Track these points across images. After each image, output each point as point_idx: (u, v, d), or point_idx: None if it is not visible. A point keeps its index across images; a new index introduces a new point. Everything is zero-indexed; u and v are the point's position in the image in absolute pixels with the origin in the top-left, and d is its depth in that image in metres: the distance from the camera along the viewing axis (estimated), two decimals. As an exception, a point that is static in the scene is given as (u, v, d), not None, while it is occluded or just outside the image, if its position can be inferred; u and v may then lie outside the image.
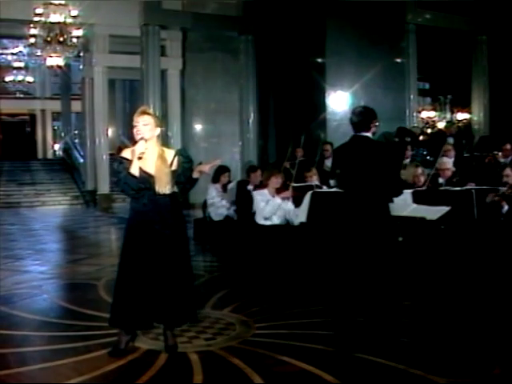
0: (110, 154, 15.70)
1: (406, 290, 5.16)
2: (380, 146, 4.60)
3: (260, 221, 6.66)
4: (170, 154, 3.99)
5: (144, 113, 3.96)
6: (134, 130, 3.92)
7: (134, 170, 3.86)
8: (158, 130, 3.98)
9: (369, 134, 4.50)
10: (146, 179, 3.88)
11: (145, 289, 3.88)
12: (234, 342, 4.16)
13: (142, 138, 3.85)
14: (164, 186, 3.90)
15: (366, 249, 4.22)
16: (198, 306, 4.35)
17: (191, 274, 4.10)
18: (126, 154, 3.97)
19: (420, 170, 6.97)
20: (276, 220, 6.60)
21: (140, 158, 3.85)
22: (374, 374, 3.57)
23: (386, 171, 4.35)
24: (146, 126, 3.90)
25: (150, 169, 3.89)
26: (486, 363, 3.68)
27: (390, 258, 4.25)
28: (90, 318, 4.72)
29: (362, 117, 4.42)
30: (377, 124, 4.55)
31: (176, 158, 3.98)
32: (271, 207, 6.56)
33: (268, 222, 6.64)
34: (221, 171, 8.01)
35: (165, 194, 3.92)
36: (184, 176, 3.99)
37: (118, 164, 3.96)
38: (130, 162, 3.90)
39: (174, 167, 3.96)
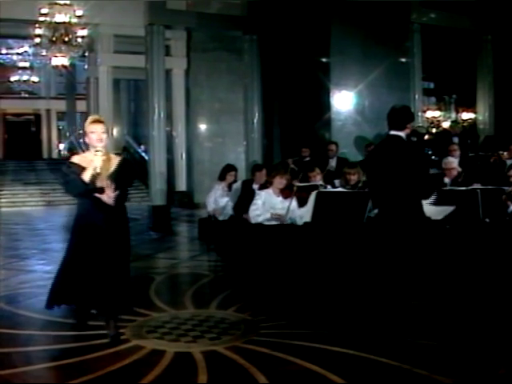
0: (116, 154, 15.71)
1: (412, 289, 5.14)
2: (410, 146, 4.56)
3: (255, 219, 6.51)
4: (115, 159, 4.35)
5: (100, 121, 4.27)
6: (93, 137, 4.20)
7: (86, 177, 4.14)
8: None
9: (402, 134, 4.46)
10: (94, 182, 4.17)
11: (84, 275, 4.19)
12: (239, 341, 4.17)
13: (98, 150, 4.14)
14: (108, 188, 4.15)
15: (396, 248, 4.25)
16: (130, 298, 4.48)
17: (127, 269, 4.35)
18: (77, 159, 4.25)
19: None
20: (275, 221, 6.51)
21: (98, 174, 4.14)
22: (379, 373, 3.56)
23: (416, 171, 4.37)
24: (104, 133, 4.24)
25: (99, 172, 4.14)
26: (491, 363, 3.67)
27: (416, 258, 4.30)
28: (95, 318, 4.72)
29: (397, 115, 4.47)
30: (409, 126, 4.52)
31: (119, 164, 4.32)
32: (264, 207, 6.42)
33: (265, 222, 6.53)
34: (227, 169, 7.95)
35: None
36: (121, 181, 4.27)
37: (67, 167, 4.25)
38: (79, 167, 4.18)
39: (116, 171, 4.27)
